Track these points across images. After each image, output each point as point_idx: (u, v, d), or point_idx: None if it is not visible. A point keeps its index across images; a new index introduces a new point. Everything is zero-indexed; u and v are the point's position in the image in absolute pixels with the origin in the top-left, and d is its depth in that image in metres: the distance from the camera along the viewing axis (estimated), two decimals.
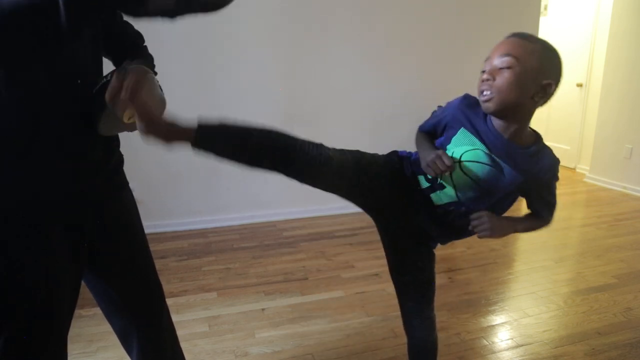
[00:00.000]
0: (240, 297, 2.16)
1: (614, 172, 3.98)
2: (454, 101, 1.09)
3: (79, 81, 0.87)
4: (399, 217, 1.16)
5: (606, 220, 3.19)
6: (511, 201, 1.11)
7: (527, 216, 1.15)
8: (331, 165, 1.00)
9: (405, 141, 3.37)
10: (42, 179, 0.85)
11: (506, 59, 0.94)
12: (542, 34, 3.93)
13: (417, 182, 1.10)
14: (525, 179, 1.02)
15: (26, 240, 0.85)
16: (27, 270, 0.85)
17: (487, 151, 1.01)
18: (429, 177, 1.08)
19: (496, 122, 1.02)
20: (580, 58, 4.47)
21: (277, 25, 2.99)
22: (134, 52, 1.07)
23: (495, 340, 1.82)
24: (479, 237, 1.03)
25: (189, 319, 1.98)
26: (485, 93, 0.98)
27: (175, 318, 1.97)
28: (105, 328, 1.91)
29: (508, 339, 1.82)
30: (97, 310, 1.96)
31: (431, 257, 1.22)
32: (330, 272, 2.41)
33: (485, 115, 1.03)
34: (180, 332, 1.85)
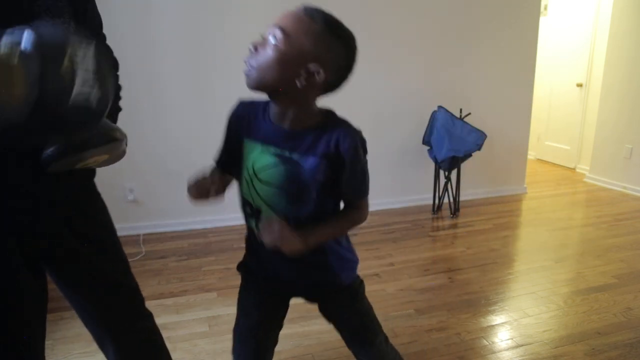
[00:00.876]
0: None
1: (614, 172, 3.98)
2: (232, 112, 1.00)
3: None
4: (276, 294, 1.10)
5: (606, 220, 3.19)
6: (334, 202, 0.98)
7: (334, 217, 0.98)
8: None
9: (406, 140, 3.40)
10: None
11: (277, 32, 0.84)
12: (542, 34, 3.94)
13: (253, 235, 1.03)
14: (327, 162, 0.89)
15: None
16: None
17: (273, 151, 0.91)
18: (247, 211, 0.99)
19: (272, 112, 0.92)
20: (580, 58, 4.47)
21: None
22: None
23: (495, 340, 1.82)
24: (266, 244, 0.88)
25: (189, 319, 1.98)
26: (246, 65, 0.88)
27: (175, 318, 1.98)
28: None
29: (508, 339, 1.82)
30: None
31: (348, 303, 1.09)
32: None
33: (264, 110, 0.94)
34: (180, 332, 1.86)
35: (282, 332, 1.86)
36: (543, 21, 3.97)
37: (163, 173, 2.98)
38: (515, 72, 3.65)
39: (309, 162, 0.89)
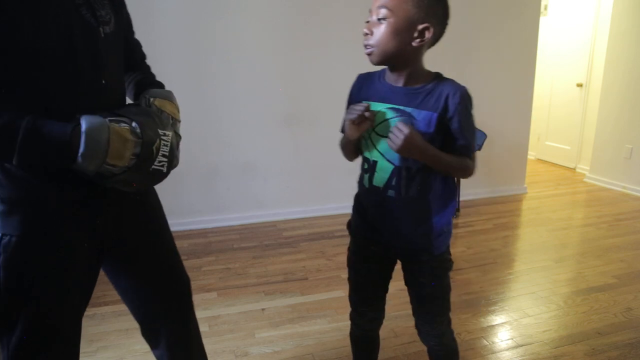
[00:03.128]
0: (240, 297, 2.16)
1: (614, 172, 3.98)
2: (352, 88, 1.14)
3: (103, 82, 0.90)
4: (385, 247, 1.17)
5: (606, 220, 3.19)
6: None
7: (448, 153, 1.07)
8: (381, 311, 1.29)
9: None
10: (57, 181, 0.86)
11: (381, 11, 0.97)
12: (542, 34, 3.94)
13: (362, 187, 1.13)
14: (438, 114, 1.00)
15: (44, 240, 0.86)
16: (41, 268, 0.86)
17: (389, 106, 1.03)
18: (365, 167, 1.10)
19: (388, 75, 1.05)
20: (580, 58, 4.47)
21: (276, 25, 2.99)
22: (145, 73, 1.12)
23: (495, 340, 1.82)
24: (392, 141, 0.98)
25: None
26: (367, 47, 1.01)
27: None
28: (105, 328, 1.91)
29: (508, 339, 1.82)
30: (97, 310, 1.97)
31: (435, 273, 1.15)
32: (330, 272, 2.41)
33: (379, 76, 1.07)
34: None
35: (282, 332, 1.87)
36: (543, 21, 3.97)
37: None
38: (516, 72, 3.65)
39: (421, 115, 1.00)
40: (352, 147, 1.12)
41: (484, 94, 3.59)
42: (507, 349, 1.76)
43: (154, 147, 0.84)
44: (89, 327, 1.88)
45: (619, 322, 1.92)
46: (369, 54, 1.01)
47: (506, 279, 2.36)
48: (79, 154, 0.76)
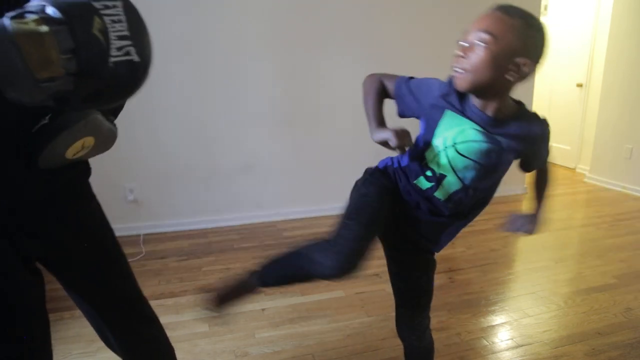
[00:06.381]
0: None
1: (614, 172, 3.98)
2: (432, 86, 1.06)
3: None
4: (401, 233, 1.17)
5: (606, 220, 3.19)
6: (505, 170, 1.09)
7: (535, 185, 1.19)
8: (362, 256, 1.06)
9: None
10: None
11: (483, 35, 0.90)
12: None
13: (417, 188, 1.08)
14: (524, 146, 1.01)
15: None
16: None
17: (478, 128, 0.99)
18: (428, 174, 1.05)
19: (476, 100, 0.99)
20: (580, 58, 4.47)
21: (276, 25, 2.99)
22: None
23: (495, 340, 1.82)
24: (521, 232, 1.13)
25: (189, 319, 1.98)
26: (458, 70, 0.95)
27: (175, 318, 1.98)
28: None
29: (508, 339, 1.82)
30: None
31: (429, 266, 1.22)
32: None
33: (463, 94, 1.00)
34: (180, 332, 1.86)
35: (282, 332, 1.87)
36: (543, 21, 3.96)
37: (163, 173, 2.98)
38: None
39: (510, 145, 1.00)
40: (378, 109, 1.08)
41: None
42: (507, 349, 1.76)
43: (95, 31, 0.57)
44: (89, 327, 1.86)
45: (619, 322, 1.92)
46: (459, 77, 0.95)
47: (506, 279, 2.36)
48: None
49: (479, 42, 0.90)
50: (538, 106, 4.55)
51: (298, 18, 3.04)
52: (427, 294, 1.23)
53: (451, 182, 1.04)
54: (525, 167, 1.12)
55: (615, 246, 2.73)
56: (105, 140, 0.90)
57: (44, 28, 0.54)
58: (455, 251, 2.70)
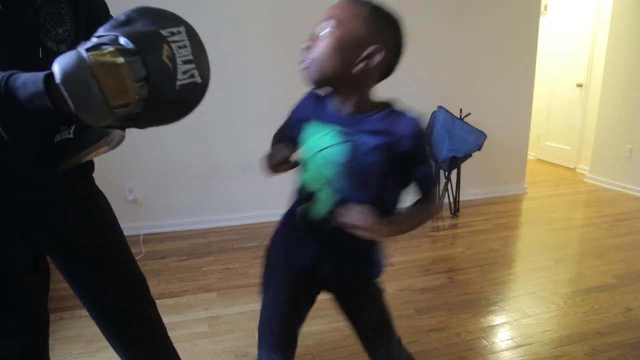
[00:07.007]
0: (240, 297, 2.16)
1: (614, 172, 3.98)
2: (300, 104, 1.03)
3: None
4: (332, 288, 1.13)
5: (606, 221, 3.19)
6: (395, 190, 0.98)
7: (412, 209, 0.98)
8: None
9: None
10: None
11: (325, 23, 0.86)
12: (542, 34, 3.94)
13: (302, 220, 1.00)
14: (388, 143, 0.89)
15: None
16: None
17: (337, 129, 0.92)
18: (302, 196, 0.98)
19: (334, 100, 0.94)
20: (580, 58, 4.47)
21: (276, 25, 2.99)
22: None
23: (495, 340, 1.82)
24: (347, 226, 0.88)
25: (189, 319, 1.98)
26: (306, 61, 0.89)
27: (175, 318, 1.98)
28: None
29: (508, 339, 1.82)
30: None
31: (380, 297, 1.12)
32: None
33: (328, 98, 0.96)
34: (180, 332, 1.86)
35: None
36: (543, 21, 3.97)
37: (162, 173, 2.98)
38: (515, 72, 3.65)
39: (370, 142, 0.90)
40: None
41: (484, 94, 3.59)
42: (507, 349, 1.76)
43: (164, 57, 0.61)
44: (89, 327, 1.87)
45: (619, 322, 1.92)
46: (305, 69, 0.89)
47: (506, 279, 2.36)
48: (74, 111, 0.58)
49: (323, 30, 0.86)
50: (538, 106, 4.55)
51: (298, 18, 3.04)
52: (388, 324, 1.14)
53: (325, 196, 0.94)
54: (402, 180, 0.96)
55: (615, 246, 2.73)
56: (116, 145, 0.98)
57: (120, 60, 0.57)
58: (455, 251, 2.71)
